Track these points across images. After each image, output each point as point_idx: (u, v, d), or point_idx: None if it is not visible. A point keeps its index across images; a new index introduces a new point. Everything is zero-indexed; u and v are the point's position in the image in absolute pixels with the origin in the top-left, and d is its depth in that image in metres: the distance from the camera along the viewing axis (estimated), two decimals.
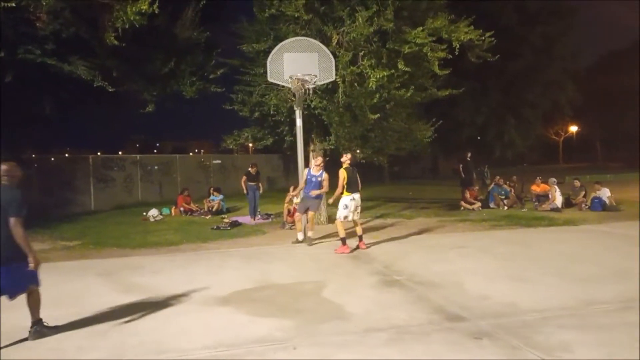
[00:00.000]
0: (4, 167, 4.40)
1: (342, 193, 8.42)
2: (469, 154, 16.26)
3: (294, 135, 12.30)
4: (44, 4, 9.42)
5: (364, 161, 12.28)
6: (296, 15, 9.84)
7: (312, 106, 10.75)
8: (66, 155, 25.72)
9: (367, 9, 9.68)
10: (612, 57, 48.01)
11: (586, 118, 48.75)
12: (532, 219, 12.09)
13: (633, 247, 7.95)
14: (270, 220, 13.25)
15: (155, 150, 40.52)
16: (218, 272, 7.24)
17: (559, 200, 13.84)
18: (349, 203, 8.37)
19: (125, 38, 10.32)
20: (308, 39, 9.34)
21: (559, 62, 29.36)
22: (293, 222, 11.90)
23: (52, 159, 19.31)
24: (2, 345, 4.33)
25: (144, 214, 14.37)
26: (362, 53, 10.44)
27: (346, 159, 8.48)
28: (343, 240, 8.45)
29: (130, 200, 18.34)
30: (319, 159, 9.54)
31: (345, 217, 8.42)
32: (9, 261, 4.22)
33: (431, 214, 13.86)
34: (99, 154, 22.50)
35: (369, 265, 7.44)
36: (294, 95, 9.38)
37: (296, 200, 12.67)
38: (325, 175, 9.21)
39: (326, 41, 9.68)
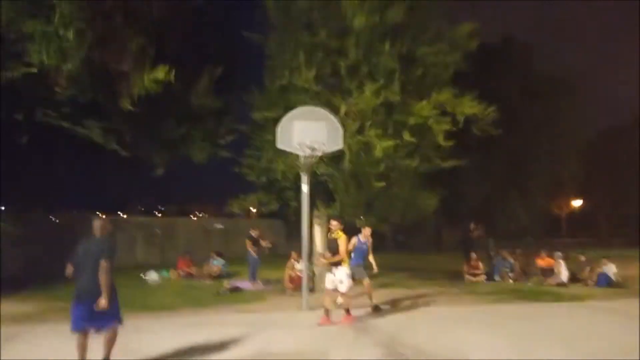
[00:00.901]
0: (98, 222, 5.46)
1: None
2: (473, 225, 16.24)
3: (299, 201, 12.50)
4: (64, 69, 9.84)
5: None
6: (306, 87, 10.21)
7: (318, 173, 10.89)
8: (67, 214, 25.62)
9: (374, 82, 10.06)
10: (614, 132, 48.81)
11: (590, 193, 49.07)
12: (538, 294, 11.87)
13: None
14: (270, 287, 13.03)
15: (159, 214, 40.41)
16: (217, 339, 7.04)
17: (564, 274, 13.63)
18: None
19: (140, 103, 10.67)
20: (317, 108, 9.64)
21: (561, 138, 29.93)
22: (294, 289, 11.77)
23: (55, 218, 19.29)
24: None
25: (142, 275, 14.18)
26: (369, 123, 10.71)
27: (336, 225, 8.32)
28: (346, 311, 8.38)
29: (131, 262, 18.11)
30: (368, 230, 9.83)
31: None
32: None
33: (435, 285, 13.62)
34: (98, 214, 22.36)
35: (373, 337, 7.23)
36: (301, 162, 9.53)
37: (298, 266, 12.57)
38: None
39: (334, 111, 9.96)
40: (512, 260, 15.05)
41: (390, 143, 10.12)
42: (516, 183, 30.11)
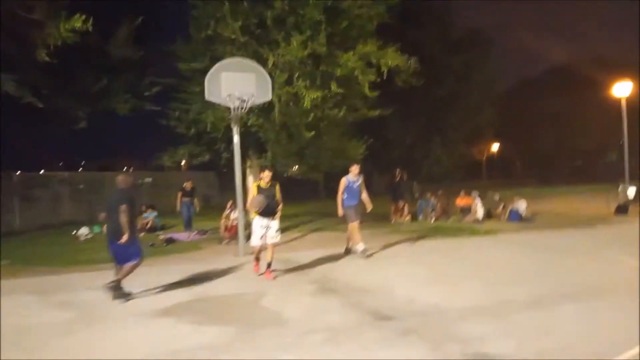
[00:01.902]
0: (119, 177, 6.66)
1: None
2: (398, 171, 17.15)
3: (231, 152, 12.62)
4: None
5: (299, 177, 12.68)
6: (233, 37, 10.17)
7: (248, 124, 11.04)
8: None
9: (301, 34, 10.20)
10: (527, 83, 51.92)
11: (506, 138, 52.44)
12: (456, 230, 12.98)
13: (543, 254, 8.88)
14: (206, 236, 13.26)
15: (80, 169, 38.44)
16: (155, 286, 7.23)
17: (480, 212, 14.89)
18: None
19: (57, 55, 10.18)
20: (245, 59, 9.67)
21: (478, 88, 31.67)
22: (230, 237, 12.09)
23: None
24: None
25: (74, 232, 13.90)
26: (297, 74, 10.90)
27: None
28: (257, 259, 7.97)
29: (58, 220, 17.57)
30: (356, 167, 9.22)
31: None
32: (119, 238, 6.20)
33: (364, 227, 14.40)
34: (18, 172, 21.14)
35: (306, 276, 7.77)
36: (231, 113, 9.62)
37: (234, 215, 12.83)
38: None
39: (262, 62, 10.04)
40: (434, 201, 16.16)
41: (318, 94, 10.40)
42: (438, 130, 31.82)
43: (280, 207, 7.59)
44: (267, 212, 7.46)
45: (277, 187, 7.54)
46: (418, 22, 28.23)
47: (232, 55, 10.08)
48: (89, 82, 11.22)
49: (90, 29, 9.89)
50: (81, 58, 10.87)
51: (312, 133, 10.98)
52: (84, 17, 9.74)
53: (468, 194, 15.94)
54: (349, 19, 10.97)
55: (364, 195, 9.30)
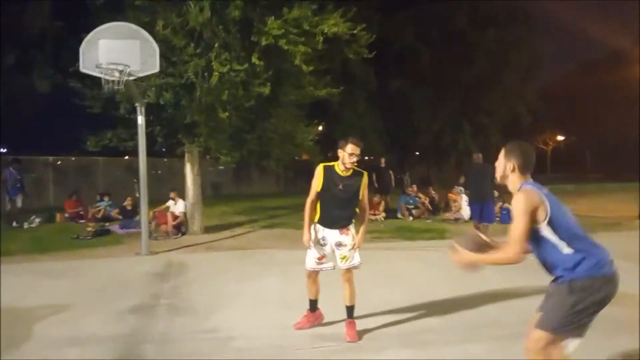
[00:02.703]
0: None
1: None
2: (383, 160, 15.24)
3: (166, 136, 11.35)
4: None
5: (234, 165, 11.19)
6: None
7: (162, 102, 9.68)
8: None
9: None
10: (590, 66, 47.02)
11: (574, 128, 47.97)
12: (421, 231, 11.04)
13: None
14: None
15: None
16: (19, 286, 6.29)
17: (466, 210, 12.73)
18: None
19: None
20: (129, 24, 8.26)
21: (516, 70, 28.29)
22: (165, 230, 11.03)
23: None
24: None
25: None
26: (216, 45, 9.37)
27: None
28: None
29: None
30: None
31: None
32: None
33: None
34: None
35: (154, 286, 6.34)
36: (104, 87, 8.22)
37: (172, 206, 11.63)
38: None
39: (150, 29, 8.55)
40: (417, 197, 14.12)
41: (228, 67, 8.82)
42: (468, 116, 28.85)
43: (366, 212, 4.49)
44: (337, 217, 4.37)
45: (364, 180, 4.37)
46: None
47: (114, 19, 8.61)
48: (1, 56, 10.24)
49: None
50: None
51: (226, 114, 9.37)
52: None
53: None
54: None
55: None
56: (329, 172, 4.32)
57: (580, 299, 2.57)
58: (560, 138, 56.98)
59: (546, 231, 2.63)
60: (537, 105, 30.87)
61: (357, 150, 4.20)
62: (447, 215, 12.79)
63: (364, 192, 4.36)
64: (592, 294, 2.57)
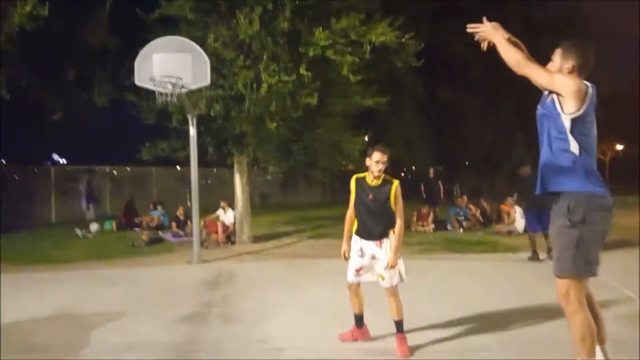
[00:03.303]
0: None
1: None
2: (432, 170, 14.96)
3: (216, 147, 11.59)
4: None
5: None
6: (183, 15, 9.10)
7: (212, 114, 9.90)
8: None
9: (252, 9, 8.78)
10: None
11: (636, 137, 45.62)
12: (472, 244, 10.72)
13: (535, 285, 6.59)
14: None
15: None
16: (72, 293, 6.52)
17: (520, 222, 12.27)
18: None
19: (20, 42, 9.87)
20: (179, 37, 8.51)
21: None
22: (216, 239, 11.27)
23: None
24: None
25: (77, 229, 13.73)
26: (265, 56, 9.51)
27: None
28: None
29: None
30: None
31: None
32: None
33: None
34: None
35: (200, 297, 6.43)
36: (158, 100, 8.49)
37: (222, 215, 11.85)
38: None
39: (201, 42, 8.77)
40: (467, 208, 13.75)
41: (277, 79, 8.91)
42: (522, 126, 27.83)
43: (398, 224, 4.20)
44: (371, 228, 4.24)
45: (395, 188, 4.17)
46: None
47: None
48: (62, 72, 10.78)
49: (46, 13, 9.36)
50: (50, 46, 10.47)
51: (274, 124, 9.46)
52: (36, 1, 9.24)
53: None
54: None
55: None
56: (360, 183, 4.30)
57: (581, 234, 2.77)
58: (619, 147, 54.47)
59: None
60: (596, 113, 29.43)
61: (384, 158, 4.12)
62: (500, 227, 12.35)
63: (395, 202, 4.18)
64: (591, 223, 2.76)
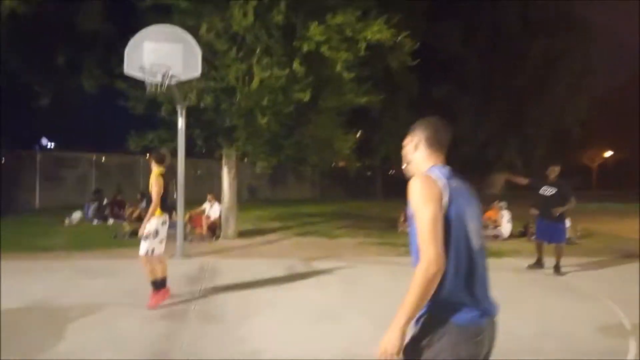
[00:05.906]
0: None
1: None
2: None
3: (205, 139, 11.41)
4: None
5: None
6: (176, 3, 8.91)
7: (202, 106, 9.74)
8: None
9: (246, 1, 8.62)
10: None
11: (626, 144, 45.80)
12: None
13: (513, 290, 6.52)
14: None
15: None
16: (52, 284, 6.41)
17: (506, 227, 12.25)
18: (160, 228, 5.62)
19: (10, 26, 9.64)
20: (172, 26, 8.32)
21: (565, 80, 27.16)
22: (202, 234, 11.16)
23: None
24: None
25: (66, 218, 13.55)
26: (258, 50, 9.36)
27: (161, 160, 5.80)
28: (154, 284, 5.64)
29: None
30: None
31: (151, 251, 5.53)
32: None
33: (361, 235, 12.53)
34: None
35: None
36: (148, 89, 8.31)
37: (208, 208, 11.71)
38: None
39: (194, 32, 8.58)
40: None
41: (266, 73, 8.78)
42: (514, 128, 27.89)
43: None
44: None
45: None
46: None
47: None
48: (53, 56, 10.56)
49: None
50: (41, 29, 10.23)
51: (266, 119, 9.32)
52: None
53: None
54: None
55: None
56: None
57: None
58: (607, 154, 54.65)
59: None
60: (587, 117, 29.50)
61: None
62: (486, 232, 12.28)
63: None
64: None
